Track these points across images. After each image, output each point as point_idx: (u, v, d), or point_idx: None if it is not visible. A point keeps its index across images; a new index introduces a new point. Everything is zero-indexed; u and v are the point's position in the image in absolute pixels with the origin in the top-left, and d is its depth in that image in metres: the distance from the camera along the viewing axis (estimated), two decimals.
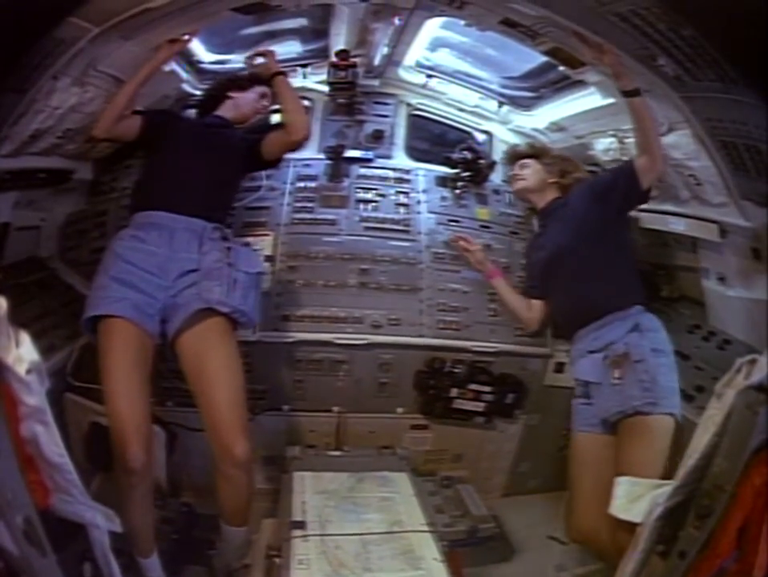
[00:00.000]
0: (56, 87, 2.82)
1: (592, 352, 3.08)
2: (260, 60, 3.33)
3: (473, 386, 3.58)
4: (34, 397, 1.85)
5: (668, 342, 3.00)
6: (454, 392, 3.58)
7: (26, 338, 1.89)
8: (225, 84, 3.52)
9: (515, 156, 3.67)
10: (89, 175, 3.88)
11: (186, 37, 3.20)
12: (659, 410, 2.79)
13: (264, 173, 3.76)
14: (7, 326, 1.86)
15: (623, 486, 2.33)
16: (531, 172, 3.52)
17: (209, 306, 2.79)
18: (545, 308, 3.55)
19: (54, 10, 2.34)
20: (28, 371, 1.82)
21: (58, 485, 1.95)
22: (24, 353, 1.85)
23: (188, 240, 2.92)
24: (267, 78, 3.29)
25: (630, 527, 2.45)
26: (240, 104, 3.42)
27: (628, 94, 2.87)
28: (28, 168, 3.21)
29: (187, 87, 3.96)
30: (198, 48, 3.85)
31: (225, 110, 3.42)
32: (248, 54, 3.43)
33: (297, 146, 3.26)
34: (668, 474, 2.92)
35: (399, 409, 3.70)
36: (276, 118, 3.75)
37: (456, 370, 3.58)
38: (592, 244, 3.20)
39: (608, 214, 3.18)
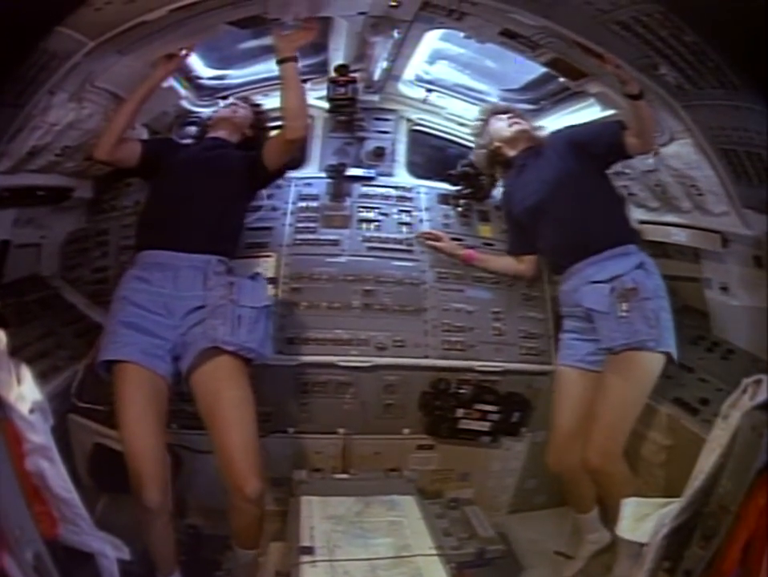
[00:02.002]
0: (53, 103, 2.81)
1: (595, 282, 3.15)
2: (291, 24, 3.07)
3: (479, 406, 3.56)
4: (39, 435, 1.85)
5: (664, 286, 3.14)
6: (460, 412, 3.56)
7: (27, 374, 1.89)
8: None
9: (489, 111, 3.74)
10: (89, 194, 3.87)
11: (183, 52, 3.18)
12: (660, 348, 2.97)
13: (265, 192, 3.73)
14: (7, 361, 1.86)
15: (629, 507, 2.33)
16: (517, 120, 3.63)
17: (215, 345, 2.78)
18: (536, 258, 3.70)
19: (43, 20, 2.31)
20: (31, 410, 1.83)
21: (65, 516, 1.96)
22: (26, 391, 1.85)
23: (193, 278, 2.92)
24: (278, 57, 3.06)
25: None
26: (215, 120, 3.48)
27: (634, 97, 2.88)
28: (27, 185, 3.20)
29: (185, 104, 3.96)
30: (196, 63, 3.84)
31: (213, 131, 3.45)
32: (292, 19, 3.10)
33: (295, 145, 3.21)
34: (672, 490, 3.00)
35: (405, 430, 3.68)
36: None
37: (462, 390, 3.57)
38: (580, 182, 3.30)
39: (592, 161, 3.29)
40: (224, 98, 3.84)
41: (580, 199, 3.27)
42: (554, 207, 3.31)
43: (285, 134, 3.08)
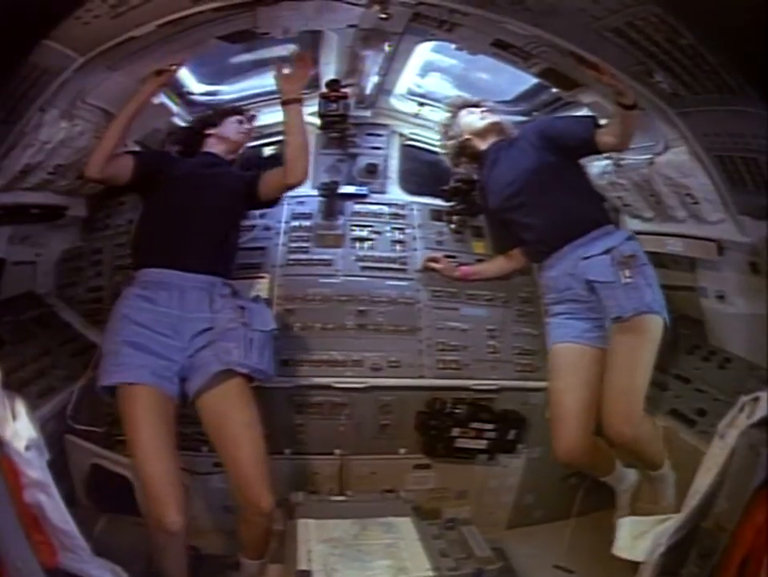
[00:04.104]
0: (44, 120, 2.81)
1: (591, 257, 3.15)
2: (287, 71, 3.05)
3: (475, 425, 3.54)
4: (35, 471, 1.87)
5: None
6: (455, 431, 3.53)
7: (22, 410, 1.90)
8: (198, 125, 3.48)
9: (459, 104, 3.71)
10: (83, 212, 3.87)
11: (173, 67, 3.10)
12: (663, 313, 3.02)
13: (257, 212, 3.71)
14: (2, 395, 1.86)
15: (626, 525, 2.34)
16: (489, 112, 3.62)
17: (228, 367, 2.77)
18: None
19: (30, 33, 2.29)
20: (27, 447, 1.84)
21: (64, 544, 1.98)
22: (21, 428, 1.86)
23: (199, 299, 2.89)
24: (282, 98, 3.04)
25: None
26: (221, 137, 3.35)
27: (628, 107, 2.86)
28: (21, 203, 3.19)
29: (178, 120, 3.92)
30: (188, 79, 3.81)
31: (211, 146, 3.36)
32: (280, 60, 3.15)
33: (294, 189, 3.20)
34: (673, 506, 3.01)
35: (401, 450, 3.66)
36: (268, 151, 3.78)
37: (457, 410, 3.54)
38: (556, 170, 3.29)
39: (564, 153, 3.28)
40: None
41: (559, 185, 3.27)
42: (533, 194, 3.29)
43: (286, 177, 3.04)
